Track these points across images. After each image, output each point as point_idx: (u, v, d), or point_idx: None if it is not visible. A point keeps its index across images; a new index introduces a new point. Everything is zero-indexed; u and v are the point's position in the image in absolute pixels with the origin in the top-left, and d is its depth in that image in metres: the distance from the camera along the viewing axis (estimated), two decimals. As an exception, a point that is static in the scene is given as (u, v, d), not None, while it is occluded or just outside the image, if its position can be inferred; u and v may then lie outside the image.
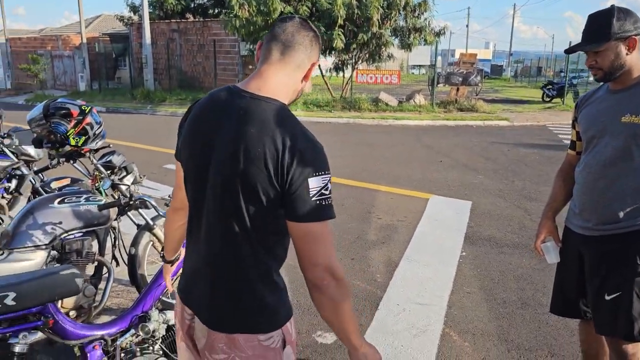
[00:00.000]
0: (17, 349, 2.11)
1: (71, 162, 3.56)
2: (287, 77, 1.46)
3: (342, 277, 1.40)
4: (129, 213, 3.65)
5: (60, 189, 3.95)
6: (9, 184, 4.71)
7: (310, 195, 1.32)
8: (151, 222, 3.55)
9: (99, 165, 3.32)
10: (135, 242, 3.57)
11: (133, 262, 3.52)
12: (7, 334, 2.19)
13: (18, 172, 4.74)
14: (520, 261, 4.69)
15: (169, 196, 2.81)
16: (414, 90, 19.26)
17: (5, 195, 4.71)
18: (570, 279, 2.38)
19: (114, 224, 3.59)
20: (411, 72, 44.73)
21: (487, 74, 39.95)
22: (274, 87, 1.43)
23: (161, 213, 2.75)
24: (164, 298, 3.73)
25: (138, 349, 2.50)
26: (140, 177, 3.72)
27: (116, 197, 3.31)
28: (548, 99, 21.44)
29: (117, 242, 3.58)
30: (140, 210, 3.53)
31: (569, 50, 2.40)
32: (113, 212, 3.42)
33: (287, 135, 1.34)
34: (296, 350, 1.61)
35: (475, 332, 3.46)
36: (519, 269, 4.52)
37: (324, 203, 1.34)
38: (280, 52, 1.44)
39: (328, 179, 1.36)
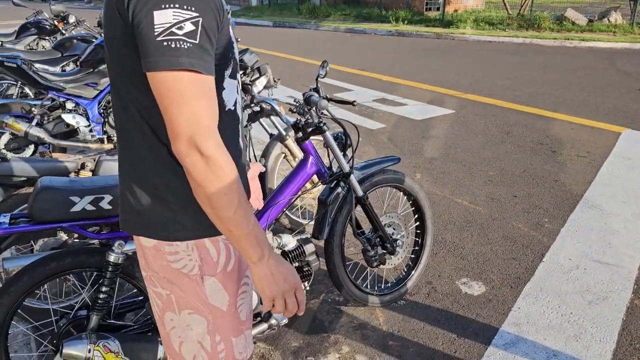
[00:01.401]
0: (111, 258, 1.88)
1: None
2: None
3: (214, 155, 1.04)
4: (261, 121, 3.32)
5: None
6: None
7: (155, 33, 0.99)
8: (284, 133, 3.17)
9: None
10: (265, 153, 3.23)
11: (262, 175, 3.20)
12: (107, 240, 1.98)
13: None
14: None
15: (295, 100, 2.36)
16: (610, 8, 16.30)
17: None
18: None
19: (244, 131, 3.28)
20: (607, -12, 38.41)
21: None
22: None
23: (284, 119, 2.33)
24: (292, 216, 3.42)
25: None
26: (275, 81, 3.32)
27: (247, 100, 2.96)
28: None
29: (246, 152, 3.29)
30: (272, 118, 3.17)
31: None
32: (243, 118, 3.10)
33: None
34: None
35: (679, 311, 2.60)
36: None
37: (172, 45, 0.99)
38: None
39: (187, 17, 1.01)
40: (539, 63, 9.92)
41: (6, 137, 4.24)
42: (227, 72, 1.18)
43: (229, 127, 1.23)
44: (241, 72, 3.17)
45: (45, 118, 4.33)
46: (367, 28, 16.09)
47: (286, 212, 3.30)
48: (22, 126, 3.98)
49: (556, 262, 3.05)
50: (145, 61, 1.01)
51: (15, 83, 5.71)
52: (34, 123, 4.18)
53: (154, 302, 1.32)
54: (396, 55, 11.26)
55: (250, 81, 3.15)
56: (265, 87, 3.26)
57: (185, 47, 1.00)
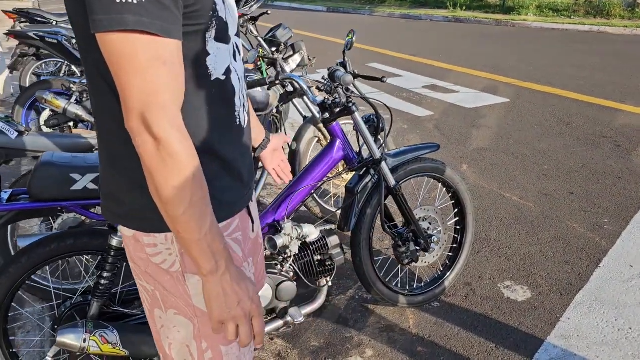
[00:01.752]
0: (113, 242, 1.74)
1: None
2: None
3: (167, 138, 0.86)
4: (294, 102, 3.12)
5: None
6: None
7: None
8: (317, 115, 2.96)
9: (260, 40, 2.78)
10: (297, 136, 3.04)
11: (293, 159, 3.02)
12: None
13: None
14: None
15: (322, 78, 2.14)
16: (690, -6, 15.09)
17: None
18: None
19: (282, 111, 3.11)
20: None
21: None
22: None
23: (312, 98, 2.13)
24: (324, 204, 3.22)
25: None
26: (310, 60, 3.11)
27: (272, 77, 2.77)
28: None
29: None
30: (305, 99, 2.97)
31: None
32: (274, 98, 2.91)
33: None
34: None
35: None
36: None
37: (118, 0, 0.81)
38: None
39: None
40: (606, 52, 9.24)
41: (46, 114, 4.25)
42: (210, 34, 0.97)
43: (217, 100, 1.03)
44: (274, 49, 2.98)
45: (84, 95, 4.31)
46: (423, 14, 15.60)
47: (317, 199, 3.11)
48: (60, 103, 3.95)
49: (615, 268, 2.72)
50: (91, 20, 0.83)
51: (63, 61, 5.76)
52: (72, 100, 4.16)
53: (143, 297, 1.16)
54: (451, 41, 10.80)
55: (283, 58, 2.96)
56: (299, 66, 3.06)
57: (135, 2, 0.81)
